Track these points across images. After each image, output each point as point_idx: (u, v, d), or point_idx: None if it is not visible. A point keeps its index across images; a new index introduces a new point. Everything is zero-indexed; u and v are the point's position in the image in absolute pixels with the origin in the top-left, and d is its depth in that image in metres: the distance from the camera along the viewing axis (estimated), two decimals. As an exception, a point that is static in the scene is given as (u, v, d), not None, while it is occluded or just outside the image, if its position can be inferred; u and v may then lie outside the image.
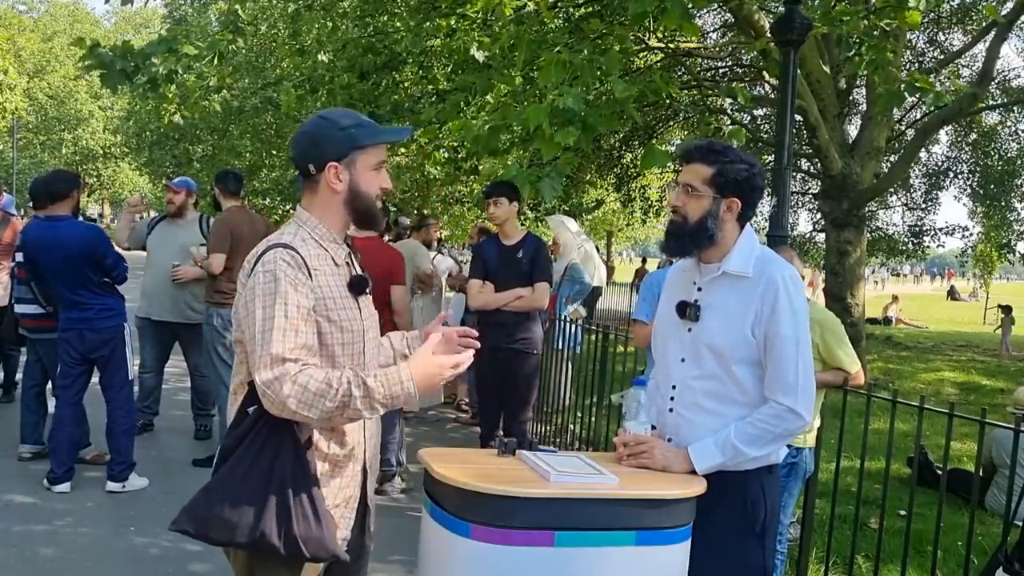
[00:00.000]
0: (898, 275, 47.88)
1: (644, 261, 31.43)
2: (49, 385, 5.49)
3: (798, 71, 5.44)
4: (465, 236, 19.14)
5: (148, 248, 5.97)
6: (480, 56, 6.50)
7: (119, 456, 4.83)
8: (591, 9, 8.20)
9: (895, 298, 23.89)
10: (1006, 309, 16.68)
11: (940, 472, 3.66)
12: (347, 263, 2.07)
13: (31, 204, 5.68)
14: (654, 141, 13.64)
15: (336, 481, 2.00)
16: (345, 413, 1.83)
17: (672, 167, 8.98)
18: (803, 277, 4.04)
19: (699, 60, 11.77)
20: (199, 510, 1.89)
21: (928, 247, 17.74)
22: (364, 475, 2.09)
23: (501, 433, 5.21)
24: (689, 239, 2.28)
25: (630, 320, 4.44)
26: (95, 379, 4.96)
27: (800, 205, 17.43)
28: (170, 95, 6.75)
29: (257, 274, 1.91)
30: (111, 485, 4.80)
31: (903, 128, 13.58)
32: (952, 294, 39.72)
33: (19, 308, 5.35)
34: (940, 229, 17.42)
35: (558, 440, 6.12)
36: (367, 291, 2.08)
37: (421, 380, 1.88)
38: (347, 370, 1.88)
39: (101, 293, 4.81)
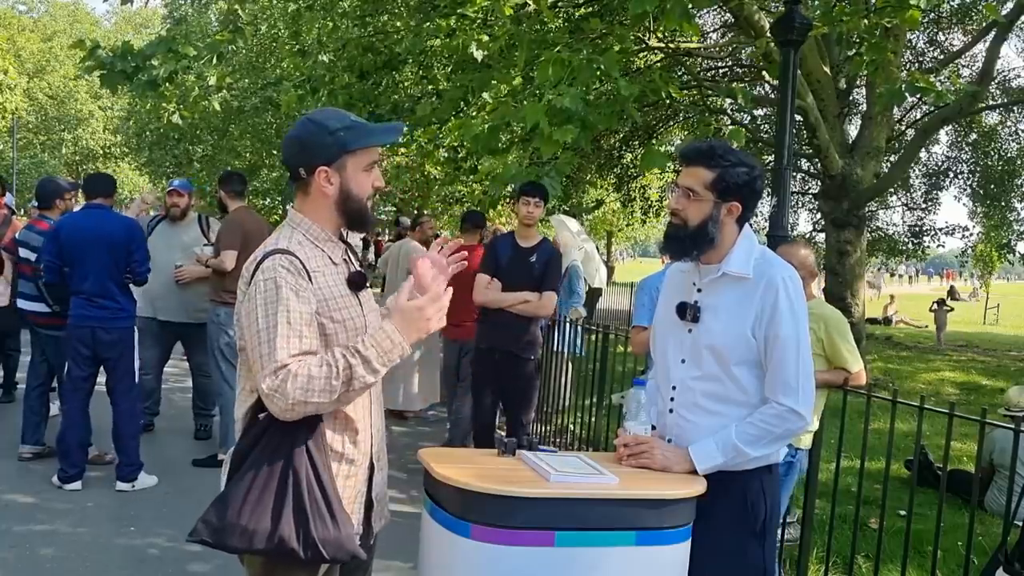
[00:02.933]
0: (894, 275, 47.79)
1: None
2: (54, 385, 5.49)
3: (798, 71, 5.44)
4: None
5: (150, 249, 5.97)
6: (480, 55, 6.50)
7: (127, 458, 4.85)
8: (591, 9, 8.19)
9: (892, 298, 23.95)
10: (939, 303, 16.90)
11: (940, 472, 3.66)
12: (344, 260, 2.07)
13: (35, 204, 5.69)
14: (654, 141, 13.63)
15: (350, 480, 2.00)
16: (352, 385, 1.85)
17: (672, 167, 8.97)
18: (815, 275, 4.03)
19: (699, 60, 11.75)
20: (216, 519, 1.86)
21: (928, 247, 17.73)
22: (371, 470, 2.09)
23: (502, 433, 5.19)
24: (689, 242, 2.27)
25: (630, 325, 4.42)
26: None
27: (800, 205, 17.43)
28: (169, 95, 6.76)
29: (257, 282, 1.89)
30: (121, 485, 4.82)
31: (903, 128, 13.56)
32: (952, 294, 39.65)
33: (27, 305, 5.33)
34: (940, 229, 17.42)
35: (558, 440, 6.12)
36: (366, 286, 2.09)
37: (405, 328, 1.91)
38: (334, 348, 1.89)
39: (121, 292, 4.84)
